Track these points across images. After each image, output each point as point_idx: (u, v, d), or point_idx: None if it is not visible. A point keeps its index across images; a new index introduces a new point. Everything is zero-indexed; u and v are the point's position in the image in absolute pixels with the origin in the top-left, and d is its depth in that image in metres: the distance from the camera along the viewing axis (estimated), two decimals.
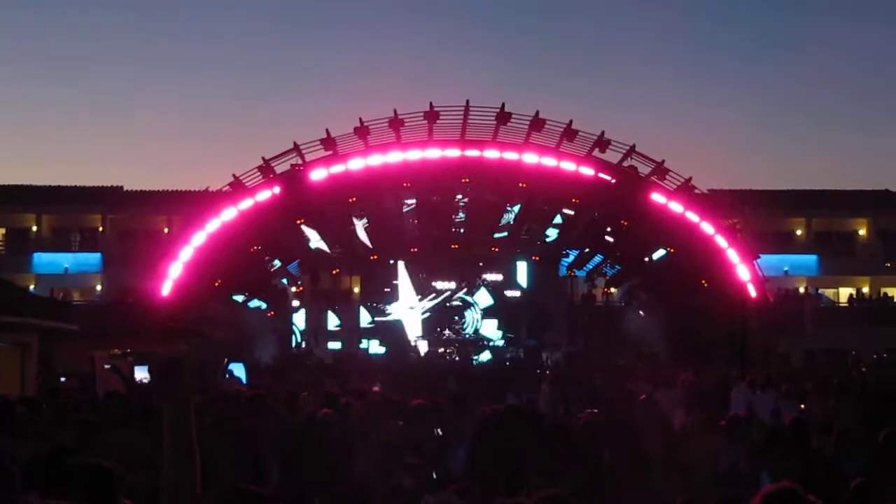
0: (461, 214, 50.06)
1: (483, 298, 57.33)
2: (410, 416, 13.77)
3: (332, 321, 56.67)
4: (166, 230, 63.31)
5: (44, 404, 15.38)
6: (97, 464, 6.34)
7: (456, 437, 13.33)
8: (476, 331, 57.26)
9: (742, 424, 13.51)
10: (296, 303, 55.62)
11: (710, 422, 14.43)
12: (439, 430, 14.09)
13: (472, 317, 57.76)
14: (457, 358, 50.28)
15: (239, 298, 48.54)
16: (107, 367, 19.91)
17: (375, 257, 54.43)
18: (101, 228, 65.60)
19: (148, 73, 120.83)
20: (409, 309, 56.34)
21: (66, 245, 65.95)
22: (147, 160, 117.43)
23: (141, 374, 7.72)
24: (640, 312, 54.56)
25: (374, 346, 54.83)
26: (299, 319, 55.52)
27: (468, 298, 57.47)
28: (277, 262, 49.84)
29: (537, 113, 43.43)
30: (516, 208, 48.16)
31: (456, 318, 57.28)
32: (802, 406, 23.17)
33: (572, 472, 11.27)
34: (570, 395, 25.14)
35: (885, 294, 64.61)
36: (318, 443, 13.03)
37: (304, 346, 53.13)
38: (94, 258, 64.40)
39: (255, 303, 50.38)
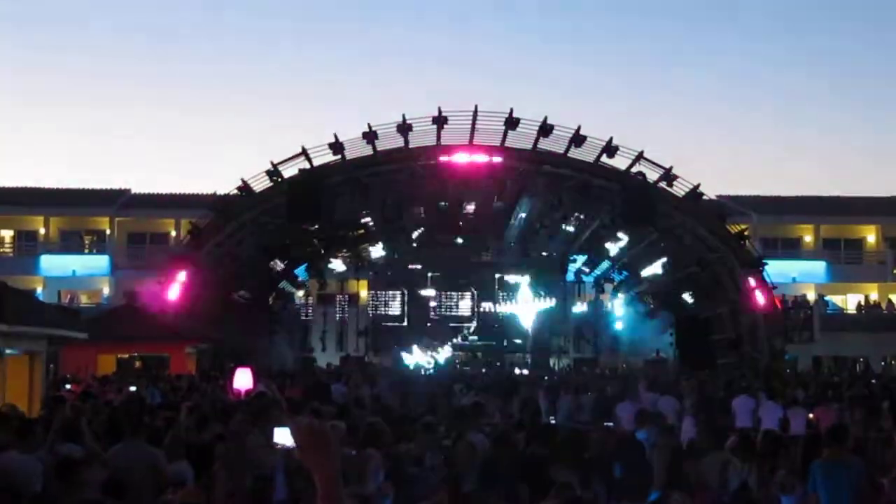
0: (469, 220, 49.95)
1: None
2: (418, 431, 13.69)
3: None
4: (174, 233, 63.35)
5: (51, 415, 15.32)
6: None
7: (466, 450, 13.22)
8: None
9: (752, 441, 13.42)
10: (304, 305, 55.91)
11: (717, 435, 14.37)
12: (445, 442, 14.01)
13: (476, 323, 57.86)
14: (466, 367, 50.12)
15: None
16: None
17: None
18: (108, 231, 65.57)
19: (156, 77, 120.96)
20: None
21: (74, 247, 65.94)
22: (155, 163, 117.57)
23: (283, 438, 7.90)
24: (648, 318, 54.65)
25: None
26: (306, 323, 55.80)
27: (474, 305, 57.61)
28: (284, 265, 49.70)
29: (545, 119, 43.33)
30: (524, 214, 48.04)
31: (465, 324, 57.47)
32: (811, 416, 22.99)
33: (585, 487, 11.22)
34: (582, 404, 25.06)
35: (891, 301, 64.50)
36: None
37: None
38: (101, 261, 64.38)
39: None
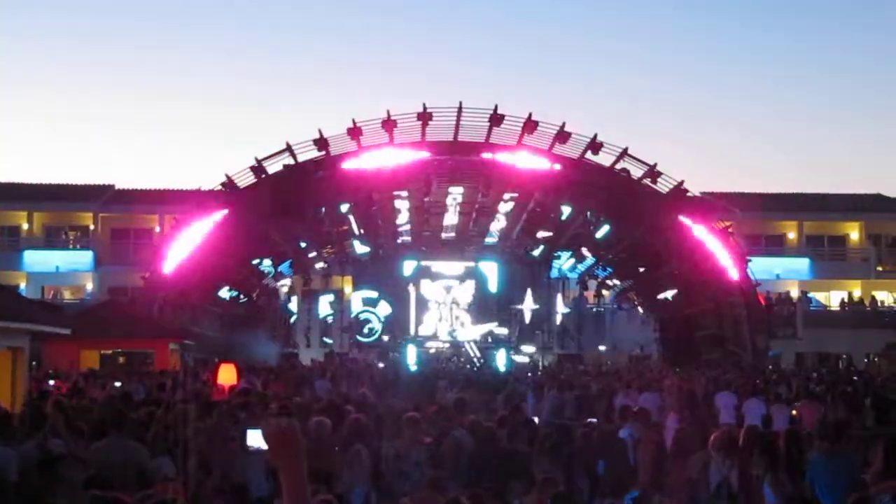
0: (454, 216, 49.91)
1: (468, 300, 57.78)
2: (403, 427, 13.72)
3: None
4: (158, 228, 63.20)
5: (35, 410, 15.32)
6: None
7: (452, 447, 13.28)
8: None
9: (734, 439, 13.44)
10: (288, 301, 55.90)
11: (699, 433, 14.41)
12: (428, 439, 14.01)
13: (463, 320, 57.92)
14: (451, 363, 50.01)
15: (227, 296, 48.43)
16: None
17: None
18: (92, 227, 65.34)
19: (141, 73, 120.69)
20: None
21: (58, 243, 65.70)
22: (139, 158, 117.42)
23: (255, 441, 7.93)
24: (632, 315, 54.76)
25: None
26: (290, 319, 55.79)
27: (459, 301, 57.72)
28: (269, 262, 49.68)
29: (530, 115, 43.32)
30: (508, 210, 48.04)
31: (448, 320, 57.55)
32: (794, 412, 23.05)
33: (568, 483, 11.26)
34: (566, 401, 25.07)
35: (874, 298, 64.71)
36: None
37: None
38: (85, 256, 64.16)
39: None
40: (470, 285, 57.93)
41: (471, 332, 57.23)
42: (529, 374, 39.15)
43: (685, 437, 14.02)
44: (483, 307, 57.84)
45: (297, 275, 53.85)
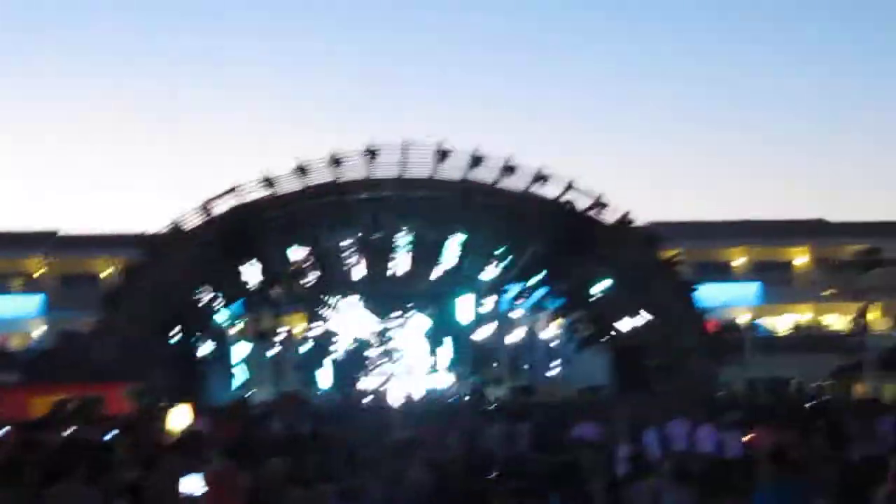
0: (404, 251, 49.82)
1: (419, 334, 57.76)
2: (360, 466, 13.75)
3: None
4: (106, 273, 62.87)
5: None
6: None
7: (410, 485, 13.29)
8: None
9: (683, 463, 13.57)
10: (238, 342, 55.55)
11: (647, 462, 14.52)
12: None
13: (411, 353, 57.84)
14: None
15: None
16: None
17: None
18: (39, 272, 64.94)
19: (82, 116, 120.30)
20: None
21: (3, 289, 65.24)
22: (82, 203, 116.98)
23: (189, 487, 7.81)
24: (584, 346, 54.90)
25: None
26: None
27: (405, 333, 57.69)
28: (218, 302, 49.39)
29: (475, 150, 43.58)
30: (458, 244, 48.00)
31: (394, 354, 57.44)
32: (747, 438, 23.21)
33: None
34: (517, 433, 25.14)
35: (823, 323, 65.36)
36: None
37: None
38: (32, 302, 63.75)
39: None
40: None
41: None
42: (482, 409, 39.14)
43: (631, 468, 14.16)
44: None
45: (248, 314, 53.56)
